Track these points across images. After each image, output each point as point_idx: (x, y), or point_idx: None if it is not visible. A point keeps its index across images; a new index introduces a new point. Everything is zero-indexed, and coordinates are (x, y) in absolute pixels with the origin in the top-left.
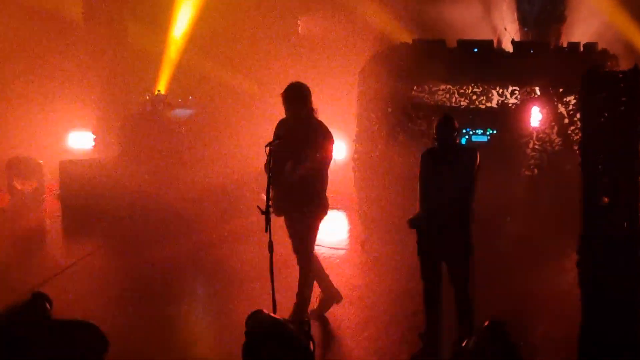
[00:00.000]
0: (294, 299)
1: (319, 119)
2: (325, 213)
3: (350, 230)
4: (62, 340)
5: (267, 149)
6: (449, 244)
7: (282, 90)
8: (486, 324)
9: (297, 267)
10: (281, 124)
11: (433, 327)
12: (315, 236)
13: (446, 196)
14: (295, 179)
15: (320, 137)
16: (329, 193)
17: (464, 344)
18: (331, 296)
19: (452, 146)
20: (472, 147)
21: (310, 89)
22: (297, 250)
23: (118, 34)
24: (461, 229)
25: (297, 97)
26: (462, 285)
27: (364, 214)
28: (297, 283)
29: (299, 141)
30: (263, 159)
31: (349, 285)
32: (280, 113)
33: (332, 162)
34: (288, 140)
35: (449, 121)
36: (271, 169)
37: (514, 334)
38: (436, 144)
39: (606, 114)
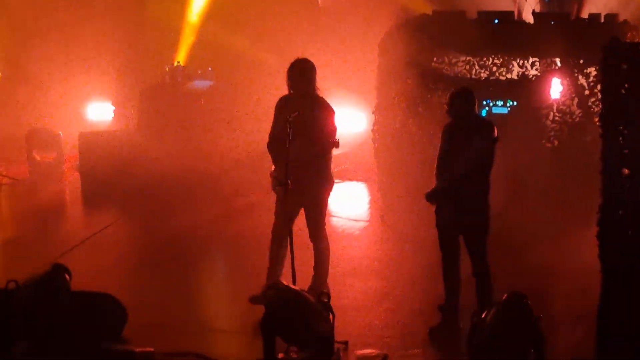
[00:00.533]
0: (311, 270)
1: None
2: (332, 186)
3: (370, 202)
4: (82, 311)
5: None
6: (466, 217)
7: (289, 66)
8: (506, 296)
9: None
10: (285, 102)
11: (452, 299)
12: (326, 209)
13: (464, 169)
14: (317, 156)
15: (331, 114)
16: (349, 165)
17: (483, 316)
18: None
19: (471, 120)
20: (490, 120)
21: (330, 60)
22: (311, 224)
23: (137, 5)
24: (479, 202)
25: (305, 73)
26: (480, 257)
27: (384, 185)
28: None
29: (310, 119)
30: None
31: (368, 257)
32: None
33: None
34: (300, 129)
35: (469, 95)
36: (288, 144)
37: (534, 306)
38: (451, 116)
39: (627, 86)
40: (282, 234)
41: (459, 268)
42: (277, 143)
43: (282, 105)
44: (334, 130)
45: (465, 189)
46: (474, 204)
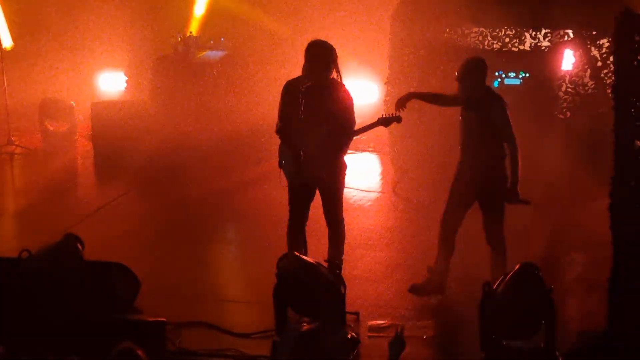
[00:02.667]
0: (325, 242)
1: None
2: (346, 168)
3: (382, 173)
4: (94, 280)
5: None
6: (486, 189)
7: (308, 47)
8: (518, 266)
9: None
10: (296, 85)
11: (443, 262)
12: (343, 193)
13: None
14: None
15: (351, 101)
16: (361, 135)
17: (495, 286)
18: None
19: (482, 92)
20: (500, 97)
21: (343, 31)
22: (330, 207)
23: None
24: (496, 168)
25: (326, 56)
26: (497, 227)
27: (396, 156)
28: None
29: (331, 104)
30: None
31: (380, 228)
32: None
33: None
34: (315, 105)
35: (482, 64)
36: (302, 118)
37: (545, 277)
38: (460, 87)
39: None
40: (299, 226)
41: (455, 236)
42: (289, 122)
43: (291, 90)
44: (353, 122)
45: (482, 157)
46: (491, 170)
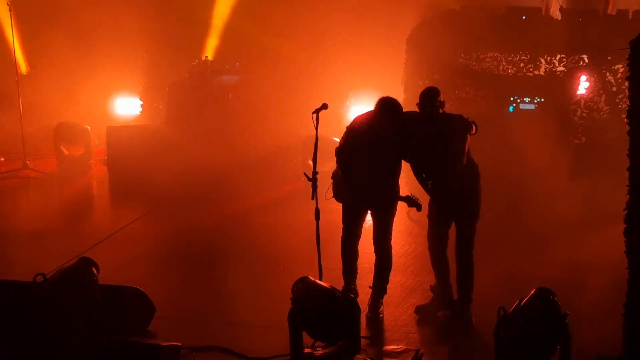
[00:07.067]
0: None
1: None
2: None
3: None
4: (109, 304)
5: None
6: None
7: (382, 103)
8: (533, 292)
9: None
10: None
11: (443, 281)
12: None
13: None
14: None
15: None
16: None
17: (510, 311)
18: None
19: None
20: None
21: (358, 56)
22: (378, 238)
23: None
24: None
25: (395, 112)
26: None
27: (410, 180)
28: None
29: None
30: (309, 127)
31: (396, 253)
32: (325, 81)
33: None
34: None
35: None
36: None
37: (561, 302)
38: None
39: None
40: (352, 241)
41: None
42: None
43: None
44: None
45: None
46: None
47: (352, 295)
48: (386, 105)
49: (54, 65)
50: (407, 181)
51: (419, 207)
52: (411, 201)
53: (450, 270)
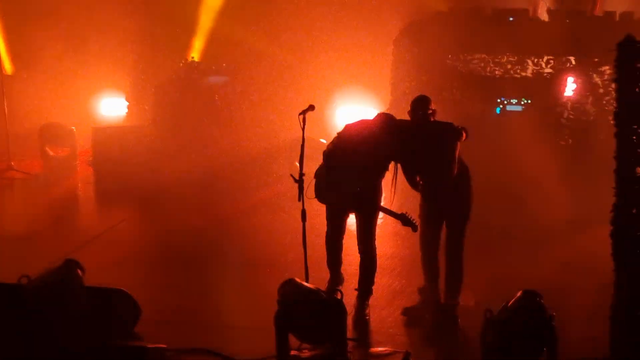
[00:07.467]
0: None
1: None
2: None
3: (385, 199)
4: (94, 306)
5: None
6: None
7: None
8: (519, 294)
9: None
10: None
11: (432, 282)
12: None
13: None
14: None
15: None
16: None
17: (497, 313)
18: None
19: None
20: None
21: (345, 57)
22: (361, 239)
23: (153, 0)
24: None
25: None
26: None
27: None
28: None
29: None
30: (296, 128)
31: (383, 255)
32: (312, 82)
33: None
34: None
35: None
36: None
37: (547, 304)
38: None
39: None
40: (336, 235)
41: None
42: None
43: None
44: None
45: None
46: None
47: (339, 297)
48: (388, 127)
49: (39, 66)
50: (397, 184)
51: (414, 228)
52: (406, 220)
53: (440, 272)
